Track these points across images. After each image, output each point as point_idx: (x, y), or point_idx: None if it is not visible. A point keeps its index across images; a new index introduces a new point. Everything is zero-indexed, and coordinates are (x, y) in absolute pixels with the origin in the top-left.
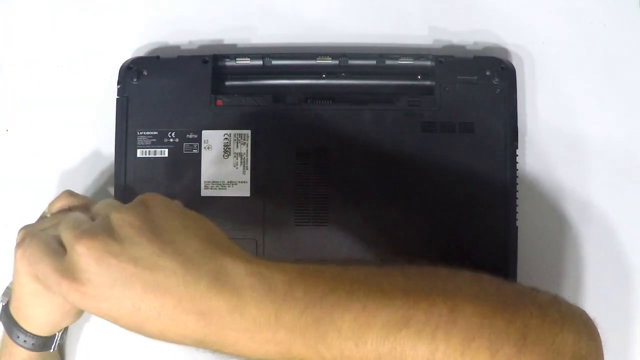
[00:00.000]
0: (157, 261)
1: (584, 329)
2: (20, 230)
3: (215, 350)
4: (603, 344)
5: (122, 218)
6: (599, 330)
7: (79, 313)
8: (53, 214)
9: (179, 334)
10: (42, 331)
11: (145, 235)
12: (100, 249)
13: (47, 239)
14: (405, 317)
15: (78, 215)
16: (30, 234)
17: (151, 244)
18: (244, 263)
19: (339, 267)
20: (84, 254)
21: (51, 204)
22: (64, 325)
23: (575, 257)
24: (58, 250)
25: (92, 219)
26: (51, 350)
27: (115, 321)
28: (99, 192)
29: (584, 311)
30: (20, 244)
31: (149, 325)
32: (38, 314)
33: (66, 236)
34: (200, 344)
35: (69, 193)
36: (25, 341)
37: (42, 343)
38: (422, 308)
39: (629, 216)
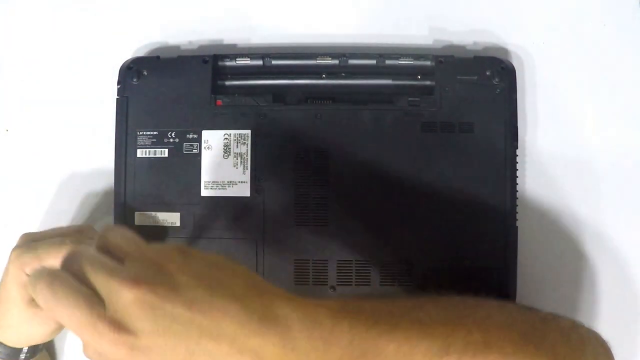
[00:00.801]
0: (211, 304)
1: (602, 350)
2: (21, 235)
3: None
4: None
5: (169, 263)
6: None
7: (58, 332)
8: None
9: None
10: (13, 343)
11: (196, 280)
12: (154, 295)
13: (72, 281)
14: (445, 345)
15: (95, 254)
16: (49, 272)
17: (202, 288)
18: (288, 301)
19: (376, 301)
20: (134, 301)
21: (43, 234)
22: (38, 342)
23: (575, 256)
24: (93, 296)
25: (119, 259)
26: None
27: None
28: (100, 192)
29: (598, 334)
30: (19, 247)
31: None
32: (14, 325)
33: (101, 281)
34: None
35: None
36: None
37: (10, 353)
38: (460, 337)
39: (629, 215)
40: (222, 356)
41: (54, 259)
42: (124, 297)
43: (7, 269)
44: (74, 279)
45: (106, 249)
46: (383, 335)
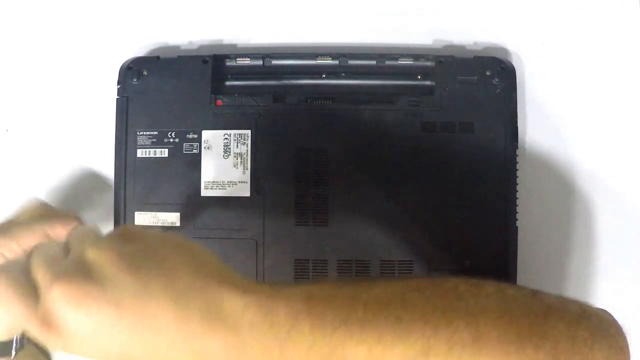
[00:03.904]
0: (143, 300)
1: (613, 344)
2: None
3: None
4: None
5: (99, 255)
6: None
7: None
8: (21, 227)
9: None
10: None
11: (127, 272)
12: (78, 292)
13: (17, 275)
14: (425, 348)
15: (50, 247)
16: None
17: (135, 282)
18: (242, 294)
19: (352, 288)
20: (59, 299)
21: (21, 214)
22: (16, 328)
23: (575, 256)
24: (31, 292)
25: (66, 251)
26: (12, 357)
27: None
28: (99, 192)
29: (613, 319)
30: None
31: None
32: None
33: (39, 276)
34: None
35: (40, 204)
36: None
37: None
38: (444, 337)
39: (629, 214)
40: (161, 357)
41: (28, 241)
42: (51, 293)
43: None
44: (21, 273)
45: (66, 244)
46: (352, 336)
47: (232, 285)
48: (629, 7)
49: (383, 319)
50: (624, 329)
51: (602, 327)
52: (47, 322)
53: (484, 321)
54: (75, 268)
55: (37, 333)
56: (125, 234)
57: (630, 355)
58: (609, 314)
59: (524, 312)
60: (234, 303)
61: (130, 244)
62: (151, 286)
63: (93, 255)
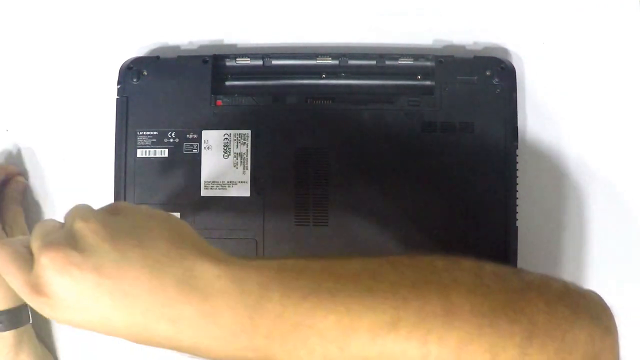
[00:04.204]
0: (120, 267)
1: (597, 323)
2: None
3: (191, 355)
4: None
5: (85, 226)
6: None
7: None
8: None
9: (153, 342)
10: (6, 302)
11: (108, 241)
12: (63, 260)
13: (18, 246)
14: (394, 318)
15: (50, 223)
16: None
17: (114, 250)
18: (215, 264)
19: (323, 261)
20: (47, 266)
21: None
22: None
23: (575, 256)
24: (27, 261)
25: (62, 226)
26: (30, 322)
27: (89, 330)
28: (100, 192)
29: (599, 299)
30: None
31: (122, 333)
32: None
33: (33, 246)
34: (176, 350)
35: None
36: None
37: (14, 317)
38: (413, 308)
39: (630, 214)
40: (138, 323)
41: None
42: (40, 261)
43: None
44: (21, 246)
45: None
46: (321, 305)
47: (206, 255)
48: (629, 7)
49: (353, 290)
50: (612, 311)
51: (586, 306)
52: (36, 287)
53: (457, 294)
54: (63, 238)
55: (28, 299)
56: (113, 208)
57: (619, 336)
58: (597, 295)
59: (500, 287)
60: (208, 272)
61: (115, 216)
62: (129, 255)
63: (80, 226)
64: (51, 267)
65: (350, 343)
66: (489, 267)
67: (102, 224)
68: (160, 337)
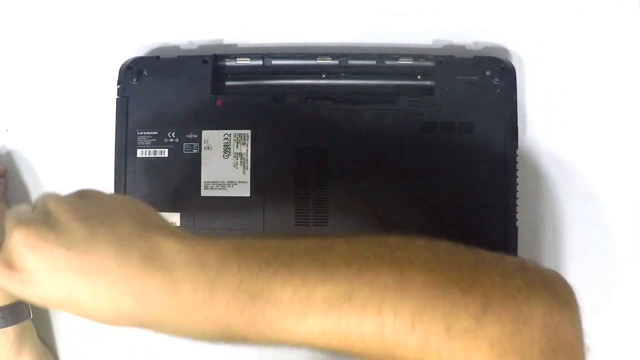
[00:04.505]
0: (89, 244)
1: (555, 296)
2: None
3: (155, 331)
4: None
5: (57, 206)
6: (577, 296)
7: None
8: None
9: (117, 317)
10: (5, 298)
11: (78, 221)
12: (35, 236)
13: None
14: (348, 290)
15: (22, 207)
16: None
17: (83, 229)
18: (177, 240)
19: (279, 239)
20: (19, 242)
21: None
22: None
23: (575, 256)
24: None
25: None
26: (31, 317)
27: (57, 307)
28: None
29: (558, 275)
30: None
31: (88, 309)
32: None
33: (7, 226)
34: (140, 326)
35: None
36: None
37: (14, 312)
38: (366, 280)
39: (630, 214)
40: (104, 297)
41: None
42: (12, 238)
43: None
44: None
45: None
46: (277, 277)
47: (169, 233)
48: (629, 7)
49: (308, 263)
50: (573, 288)
51: (542, 280)
52: (8, 263)
53: (410, 267)
54: (35, 216)
55: (1, 276)
56: (82, 193)
57: (580, 310)
58: (556, 272)
59: (454, 262)
60: (170, 248)
61: (85, 200)
62: (97, 233)
63: (52, 206)
64: (23, 242)
65: (307, 315)
66: (444, 244)
67: (73, 205)
68: (124, 312)
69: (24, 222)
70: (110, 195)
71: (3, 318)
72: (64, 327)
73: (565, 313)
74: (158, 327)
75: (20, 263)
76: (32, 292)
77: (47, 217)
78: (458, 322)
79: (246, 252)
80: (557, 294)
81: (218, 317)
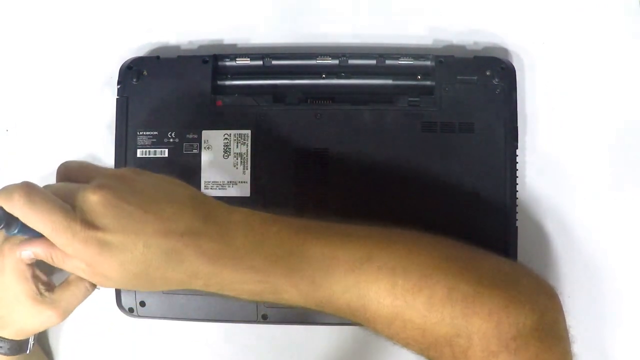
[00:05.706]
0: (162, 205)
1: (541, 284)
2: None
3: (202, 286)
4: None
5: (131, 172)
6: (561, 299)
7: (59, 318)
8: None
9: (179, 270)
10: (17, 336)
11: (151, 186)
12: (115, 196)
13: (47, 192)
14: (367, 254)
15: (93, 166)
16: (24, 184)
17: (157, 193)
18: (227, 208)
19: (306, 220)
20: (100, 202)
21: None
22: (40, 330)
23: (575, 256)
24: (64, 204)
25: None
26: (27, 352)
27: (123, 266)
28: None
29: (544, 278)
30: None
31: (155, 264)
32: (16, 320)
33: (73, 191)
34: (193, 278)
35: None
36: (0, 347)
37: (18, 346)
38: (383, 248)
39: (630, 214)
40: (172, 249)
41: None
42: (90, 199)
43: (3, 266)
44: (46, 190)
45: (66, 177)
46: (309, 238)
47: (219, 203)
48: (629, 7)
49: (333, 233)
50: (557, 290)
51: (527, 272)
52: (87, 222)
53: (417, 245)
54: (108, 181)
55: (76, 235)
56: (135, 169)
57: (563, 311)
58: (542, 277)
59: (453, 248)
60: (224, 213)
61: (142, 174)
62: (168, 198)
63: (126, 172)
64: (103, 202)
65: (333, 271)
66: (443, 238)
67: (140, 175)
68: (185, 264)
69: (102, 185)
70: (158, 174)
71: (2, 348)
72: (63, 331)
73: (550, 305)
74: (208, 279)
75: (100, 221)
76: (105, 250)
77: (121, 181)
78: (458, 287)
79: (282, 221)
80: (543, 287)
81: (260, 268)
